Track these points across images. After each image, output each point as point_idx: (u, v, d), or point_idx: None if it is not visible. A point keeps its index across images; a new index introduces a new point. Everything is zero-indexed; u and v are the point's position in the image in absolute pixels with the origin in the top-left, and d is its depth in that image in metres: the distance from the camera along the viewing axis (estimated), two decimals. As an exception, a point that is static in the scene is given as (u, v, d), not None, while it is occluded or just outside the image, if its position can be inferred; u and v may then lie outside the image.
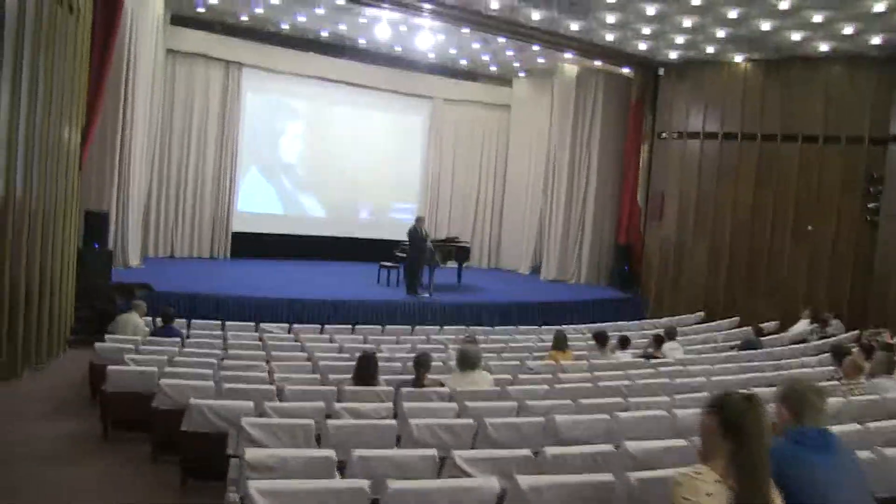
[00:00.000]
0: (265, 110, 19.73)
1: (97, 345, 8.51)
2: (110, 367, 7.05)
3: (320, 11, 16.76)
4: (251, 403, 5.46)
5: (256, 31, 18.63)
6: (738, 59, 17.72)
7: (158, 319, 10.24)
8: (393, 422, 5.07)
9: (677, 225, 18.91)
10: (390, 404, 5.85)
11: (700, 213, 18.59)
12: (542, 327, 13.65)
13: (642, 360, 10.11)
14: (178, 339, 9.31)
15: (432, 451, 4.21)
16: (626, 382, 7.79)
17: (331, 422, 4.84)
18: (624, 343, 10.55)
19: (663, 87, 19.25)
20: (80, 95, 11.27)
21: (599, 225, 20.29)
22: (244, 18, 17.87)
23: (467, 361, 6.89)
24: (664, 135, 19.24)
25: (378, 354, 7.49)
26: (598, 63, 19.48)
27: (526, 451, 4.30)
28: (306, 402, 5.73)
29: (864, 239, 16.57)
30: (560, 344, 9.80)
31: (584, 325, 14.23)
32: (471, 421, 5.16)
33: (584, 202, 20.23)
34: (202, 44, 18.09)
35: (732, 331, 14.63)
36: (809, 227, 17.12)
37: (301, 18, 17.56)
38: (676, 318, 15.98)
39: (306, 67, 19.44)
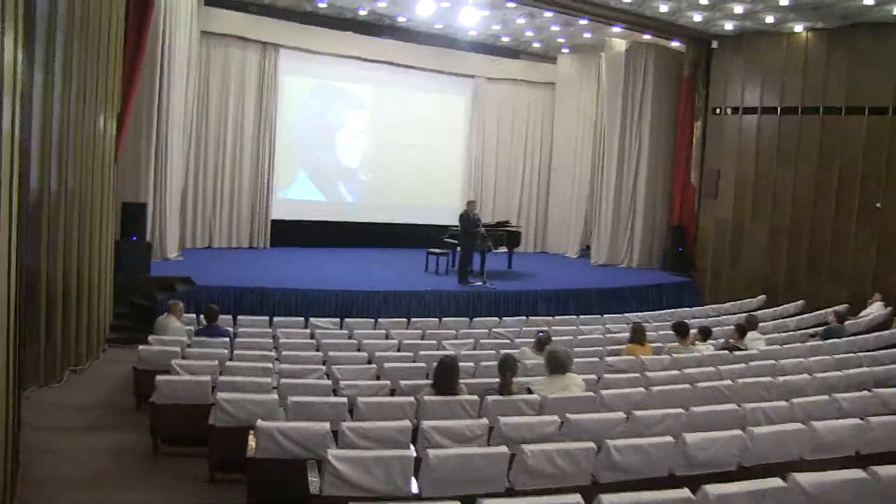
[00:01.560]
0: (303, 92, 18.96)
1: (140, 348, 7.96)
2: (159, 378, 6.41)
3: (360, -13, 15.96)
4: (326, 425, 4.75)
5: (293, 10, 17.81)
6: (798, 28, 16.60)
7: (202, 317, 9.61)
8: (503, 449, 4.28)
9: (734, 205, 17.95)
10: (483, 421, 5.10)
11: (758, 191, 17.60)
12: (605, 316, 12.89)
13: (726, 352, 9.32)
14: (224, 339, 8.69)
15: (576, 498, 3.44)
16: (727, 383, 6.99)
17: (432, 452, 4.07)
18: (705, 334, 9.75)
19: (717, 60, 18.23)
20: (114, 82, 10.63)
21: (651, 206, 19.34)
22: (280, -3, 17.15)
23: (558, 365, 6.16)
24: (718, 110, 18.28)
25: (445, 353, 6.76)
26: (647, 37, 18.51)
27: (686, 493, 3.53)
28: (386, 420, 4.99)
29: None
30: (638, 337, 9.14)
31: (647, 313, 13.49)
32: (591, 445, 4.39)
33: (636, 182, 19.28)
34: (237, 25, 17.27)
35: (803, 316, 13.76)
36: (878, 205, 16.08)
37: (339, -5, 16.77)
38: (738, 303, 15.15)
39: (344, 47, 18.58)
